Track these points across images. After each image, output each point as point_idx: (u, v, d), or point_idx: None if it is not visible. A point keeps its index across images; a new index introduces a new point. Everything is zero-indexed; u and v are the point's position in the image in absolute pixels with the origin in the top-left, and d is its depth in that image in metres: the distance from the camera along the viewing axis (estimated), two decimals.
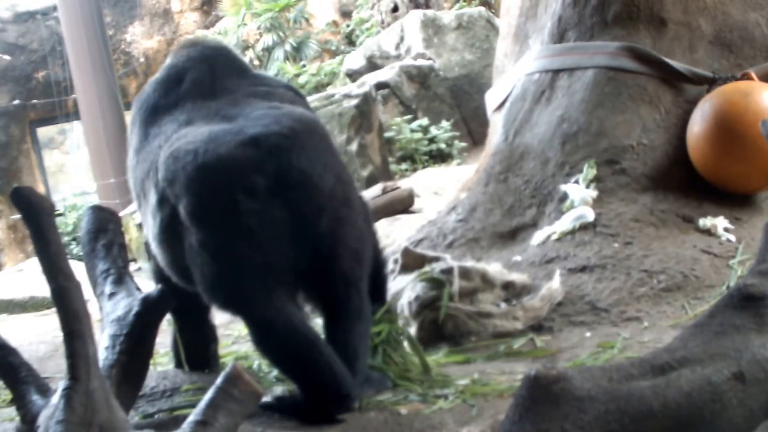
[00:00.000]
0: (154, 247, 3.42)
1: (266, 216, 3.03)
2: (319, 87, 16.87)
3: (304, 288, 3.28)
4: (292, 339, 3.09)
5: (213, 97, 3.55)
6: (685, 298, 4.11)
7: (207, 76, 3.67)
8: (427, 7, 17.29)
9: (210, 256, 3.09)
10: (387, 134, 13.54)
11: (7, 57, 20.73)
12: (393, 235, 8.29)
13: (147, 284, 3.47)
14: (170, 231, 3.23)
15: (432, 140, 13.82)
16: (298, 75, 17.61)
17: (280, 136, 3.12)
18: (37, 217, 2.41)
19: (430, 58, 15.18)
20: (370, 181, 11.86)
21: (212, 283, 3.12)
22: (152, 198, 3.31)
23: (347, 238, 3.21)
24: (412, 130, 13.78)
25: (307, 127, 3.28)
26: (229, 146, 3.09)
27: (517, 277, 4.41)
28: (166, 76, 3.76)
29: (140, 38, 21.81)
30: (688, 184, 4.95)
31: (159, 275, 3.58)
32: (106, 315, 3.12)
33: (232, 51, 4.02)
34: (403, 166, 13.36)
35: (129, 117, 3.86)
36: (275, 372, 3.55)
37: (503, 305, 4.22)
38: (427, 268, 4.28)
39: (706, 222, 4.69)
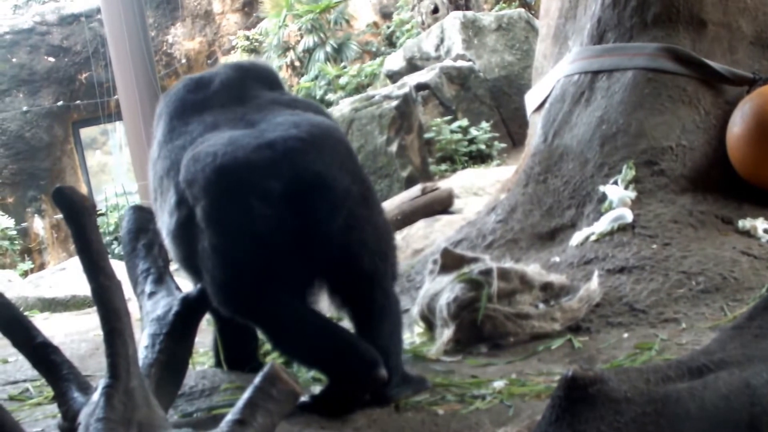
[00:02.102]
0: (168, 242, 3.42)
1: (279, 222, 3.03)
2: (359, 88, 16.93)
3: (329, 290, 3.30)
4: (306, 330, 3.11)
5: (240, 103, 3.58)
6: (724, 300, 4.08)
7: (237, 82, 3.70)
8: (467, 8, 17.29)
9: (221, 261, 3.09)
10: (427, 135, 13.56)
11: (51, 59, 20.95)
12: (432, 235, 8.31)
13: (186, 284, 3.49)
14: (185, 230, 3.23)
15: (472, 141, 13.82)
16: (338, 76, 17.67)
17: (297, 140, 3.12)
18: (78, 217, 2.43)
19: (470, 60, 15.17)
20: (410, 182, 11.90)
21: (222, 288, 3.13)
22: (171, 197, 3.32)
23: (366, 238, 3.20)
24: (452, 131, 13.79)
25: (325, 132, 3.29)
26: (246, 150, 3.10)
27: (556, 278, 4.40)
28: (199, 77, 3.81)
29: (182, 39, 21.97)
30: (727, 185, 4.92)
31: None
32: (146, 314, 3.15)
33: (270, 67, 4.07)
34: (443, 166, 13.36)
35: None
36: (313, 371, 3.57)
37: (541, 306, 4.21)
38: (465, 269, 4.27)
39: (745, 223, 4.66)
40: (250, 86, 3.72)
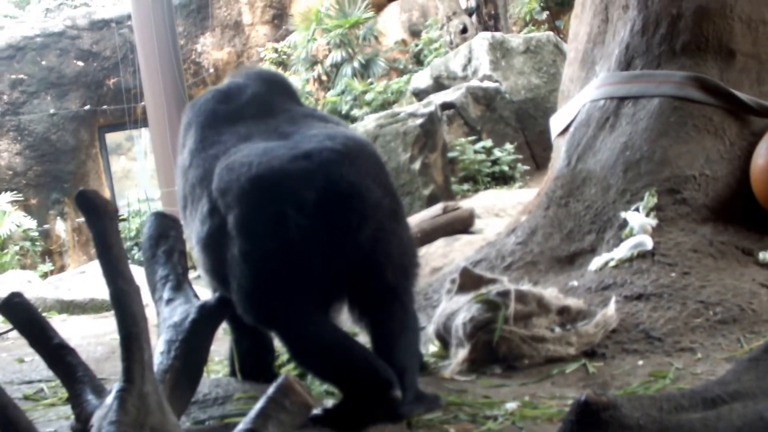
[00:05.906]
0: (197, 251, 3.45)
1: (312, 232, 3.04)
2: (385, 105, 16.96)
3: (349, 301, 3.30)
4: (327, 346, 3.12)
5: (271, 115, 3.62)
6: (741, 331, 4.06)
7: (266, 94, 3.75)
8: (496, 29, 17.31)
9: (250, 269, 3.10)
10: (450, 154, 13.56)
11: (80, 63, 21.06)
12: (451, 254, 8.29)
13: (205, 292, 3.50)
14: (216, 239, 3.26)
15: (495, 162, 13.82)
16: (365, 92, 17.70)
17: (332, 151, 3.15)
18: (100, 221, 2.45)
19: (496, 81, 15.18)
20: (432, 200, 11.88)
21: (248, 296, 3.14)
22: (203, 206, 3.35)
23: (391, 251, 3.21)
24: (476, 152, 13.79)
25: (359, 144, 3.33)
26: (282, 160, 3.13)
27: (573, 302, 4.39)
28: (227, 87, 3.86)
29: (210, 49, 22.06)
30: (749, 216, 4.90)
31: None
32: (163, 320, 3.16)
33: (288, 80, 4.13)
34: (465, 186, 13.37)
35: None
36: (326, 385, 3.57)
37: (557, 330, 4.20)
38: (483, 290, 4.27)
39: (766, 255, 4.63)
40: (280, 99, 3.76)
